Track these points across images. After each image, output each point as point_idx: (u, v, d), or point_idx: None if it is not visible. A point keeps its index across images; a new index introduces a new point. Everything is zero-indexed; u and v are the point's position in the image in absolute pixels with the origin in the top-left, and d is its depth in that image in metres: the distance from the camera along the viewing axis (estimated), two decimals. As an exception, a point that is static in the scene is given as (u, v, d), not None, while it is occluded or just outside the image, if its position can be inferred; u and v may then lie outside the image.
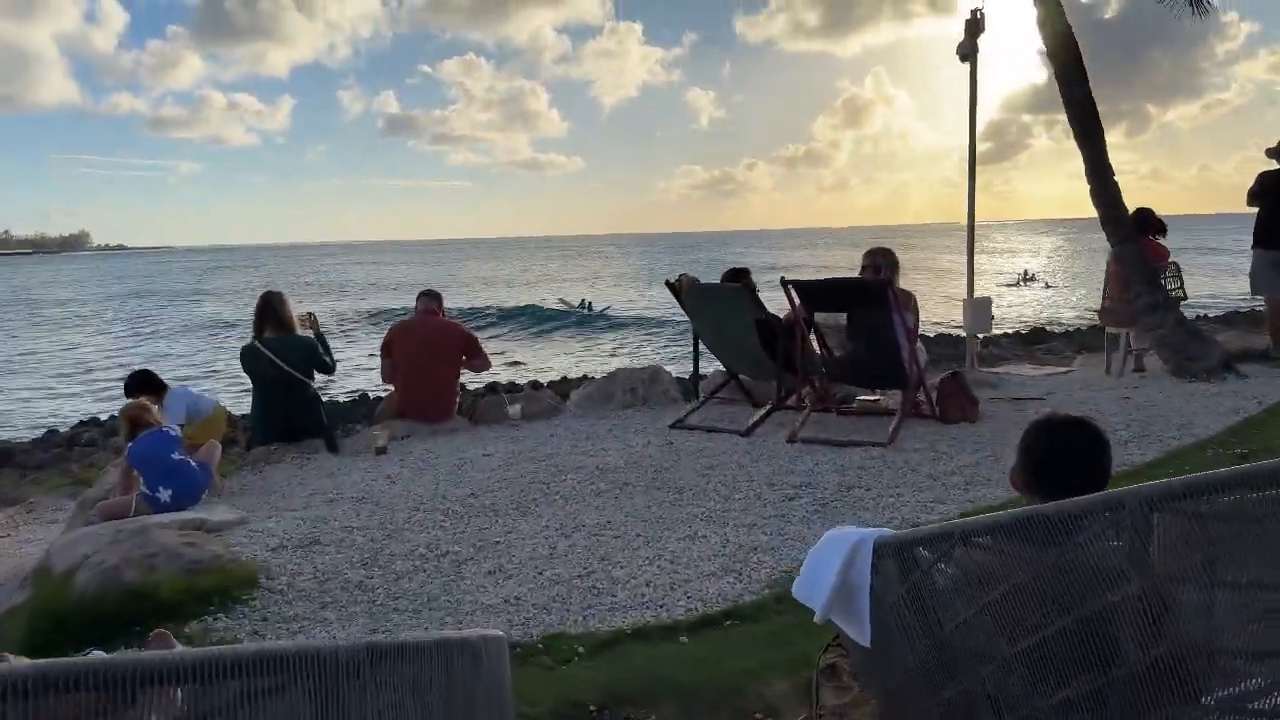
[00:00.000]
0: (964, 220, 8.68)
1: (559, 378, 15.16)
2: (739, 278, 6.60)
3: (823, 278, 6.36)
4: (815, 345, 6.33)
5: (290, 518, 4.75)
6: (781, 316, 6.71)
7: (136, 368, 6.60)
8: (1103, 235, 7.73)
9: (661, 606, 3.56)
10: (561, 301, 39.64)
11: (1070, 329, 21.89)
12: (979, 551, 1.74)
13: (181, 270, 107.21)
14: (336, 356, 6.70)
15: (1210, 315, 17.77)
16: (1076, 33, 7.77)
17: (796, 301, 6.16)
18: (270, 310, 6.27)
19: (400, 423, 6.75)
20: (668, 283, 6.80)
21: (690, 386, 7.81)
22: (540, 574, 3.92)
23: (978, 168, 8.53)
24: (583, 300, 40.78)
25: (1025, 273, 54.13)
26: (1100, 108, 7.71)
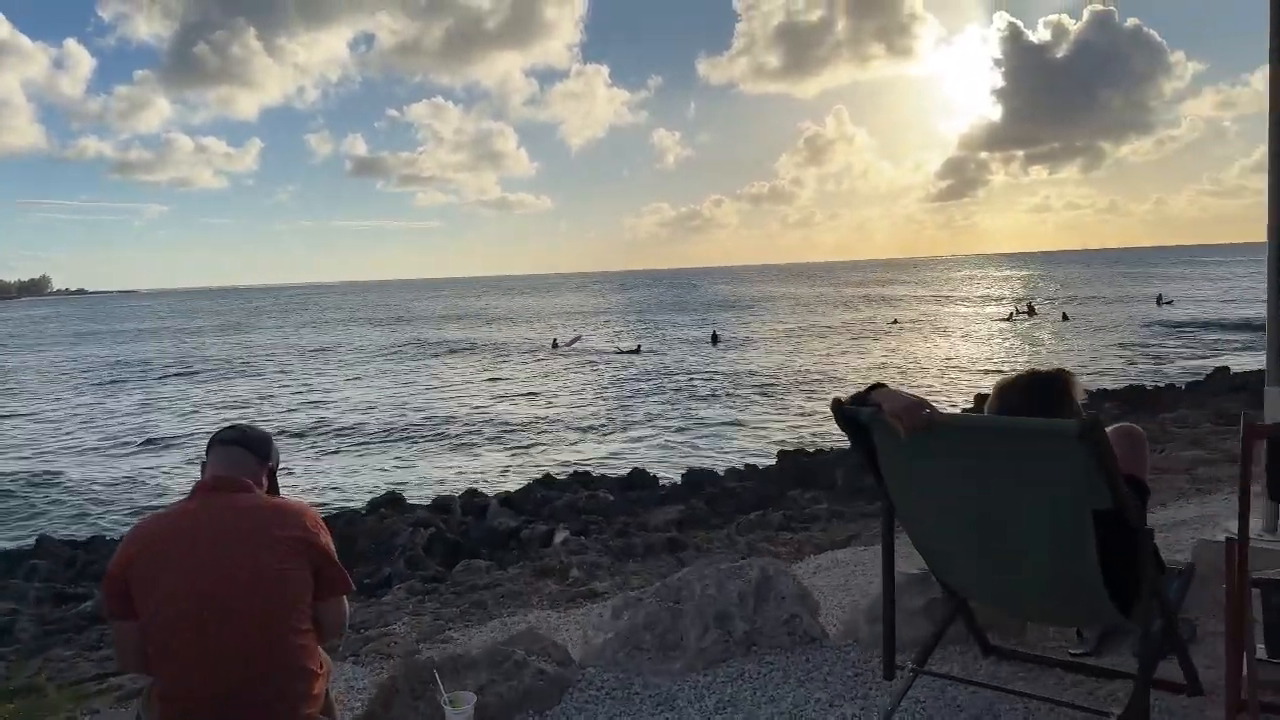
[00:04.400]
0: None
1: (569, 472, 10.62)
2: (1060, 397, 2.59)
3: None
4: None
5: None
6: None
7: None
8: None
9: None
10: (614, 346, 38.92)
11: (1170, 383, 18.03)
12: None
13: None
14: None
15: None
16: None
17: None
18: None
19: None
20: (837, 405, 2.73)
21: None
22: None
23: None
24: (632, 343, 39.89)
25: (1029, 305, 50.82)
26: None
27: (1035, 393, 2.56)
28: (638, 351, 37.99)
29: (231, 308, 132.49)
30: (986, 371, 28.06)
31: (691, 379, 28.07)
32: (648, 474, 10.38)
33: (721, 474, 10.40)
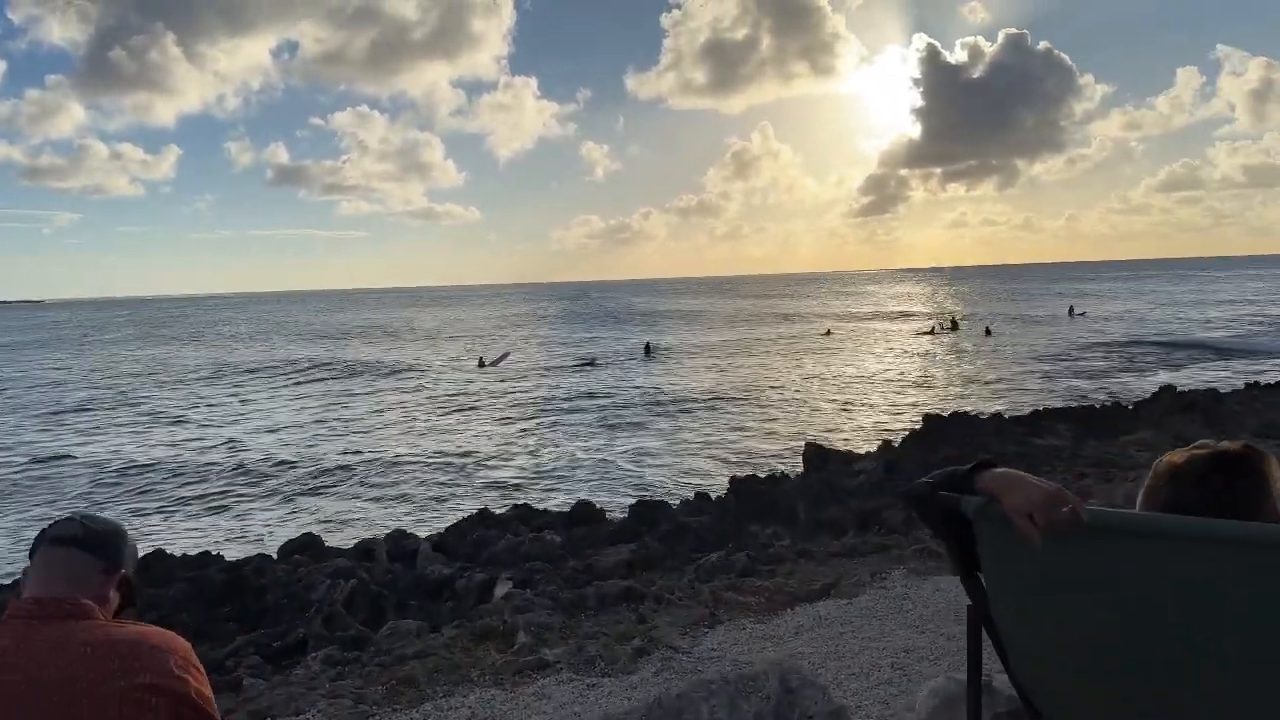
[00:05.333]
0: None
1: (506, 504, 9.65)
2: (1255, 485, 1.91)
3: None
4: None
5: None
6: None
7: None
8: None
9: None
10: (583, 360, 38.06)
11: (1116, 402, 17.84)
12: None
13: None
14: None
15: None
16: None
17: None
18: None
19: None
20: (930, 492, 2.01)
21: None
22: None
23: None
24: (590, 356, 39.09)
25: (951, 319, 51.43)
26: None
27: (1220, 481, 1.85)
28: (593, 364, 37.15)
29: (143, 319, 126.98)
30: (915, 385, 28.07)
31: (627, 394, 27.31)
32: (594, 506, 9.55)
33: (673, 505, 9.64)
